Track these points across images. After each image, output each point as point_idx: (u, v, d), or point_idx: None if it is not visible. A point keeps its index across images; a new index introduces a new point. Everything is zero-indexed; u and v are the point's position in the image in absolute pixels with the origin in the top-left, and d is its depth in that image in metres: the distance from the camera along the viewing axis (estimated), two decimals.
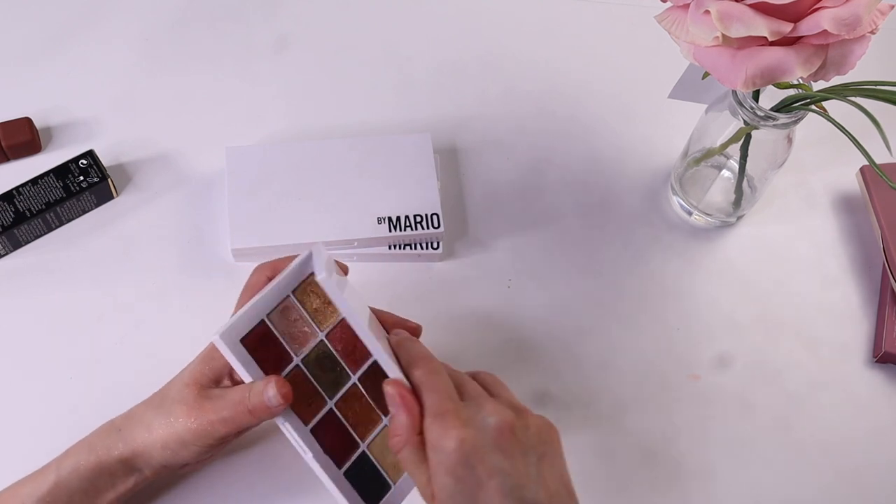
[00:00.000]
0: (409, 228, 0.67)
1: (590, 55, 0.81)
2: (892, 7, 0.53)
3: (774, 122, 0.60)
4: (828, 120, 0.58)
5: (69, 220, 0.69)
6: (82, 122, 0.73)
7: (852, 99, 0.55)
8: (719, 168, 0.73)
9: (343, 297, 0.52)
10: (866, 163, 0.62)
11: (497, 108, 0.77)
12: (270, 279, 0.54)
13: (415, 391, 0.49)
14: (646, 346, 0.68)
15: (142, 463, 0.53)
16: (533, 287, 0.69)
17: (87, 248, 0.68)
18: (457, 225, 0.71)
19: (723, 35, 0.50)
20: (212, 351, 0.54)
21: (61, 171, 0.68)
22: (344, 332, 0.55)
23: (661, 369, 0.67)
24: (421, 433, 0.48)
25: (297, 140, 0.74)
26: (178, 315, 0.66)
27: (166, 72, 0.77)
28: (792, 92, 0.60)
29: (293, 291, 0.54)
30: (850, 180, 0.75)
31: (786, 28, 0.50)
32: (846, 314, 0.70)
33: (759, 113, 0.60)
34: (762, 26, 0.49)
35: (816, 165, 0.76)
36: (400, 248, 0.68)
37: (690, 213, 0.73)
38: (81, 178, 0.68)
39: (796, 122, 0.61)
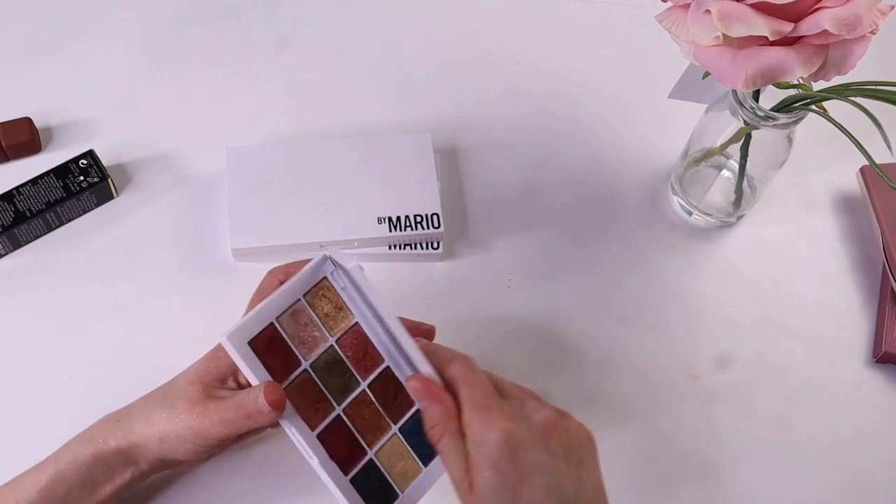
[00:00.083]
0: (409, 228, 0.67)
1: (590, 55, 0.81)
2: (893, 7, 0.53)
3: (774, 122, 0.60)
4: (828, 120, 0.58)
5: (69, 220, 0.69)
6: (82, 122, 0.73)
7: (852, 99, 0.55)
8: (719, 168, 0.73)
9: (375, 290, 0.51)
10: (866, 163, 0.62)
11: (497, 108, 0.77)
12: (283, 283, 0.54)
13: (449, 387, 0.49)
14: (646, 346, 0.68)
15: (138, 455, 0.53)
16: (533, 287, 0.69)
17: (87, 248, 0.68)
18: (457, 225, 0.71)
19: (723, 35, 0.50)
20: (218, 350, 0.54)
21: (61, 171, 0.68)
22: (355, 337, 0.55)
23: (661, 369, 0.67)
24: (460, 424, 0.47)
25: (297, 140, 0.74)
26: (178, 315, 0.66)
27: (166, 72, 0.77)
28: (792, 92, 0.60)
29: (304, 295, 0.54)
30: (850, 180, 0.75)
31: (786, 28, 0.50)
32: (846, 314, 0.70)
33: (759, 113, 0.60)
34: (763, 26, 0.49)
35: (816, 165, 0.76)
36: (400, 248, 0.68)
37: (690, 213, 0.73)
38: (81, 178, 0.68)
39: (796, 122, 0.61)
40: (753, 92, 0.60)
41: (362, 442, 0.54)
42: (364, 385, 0.55)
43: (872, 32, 0.51)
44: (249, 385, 0.53)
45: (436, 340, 0.57)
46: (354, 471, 0.53)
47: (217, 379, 0.53)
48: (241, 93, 0.77)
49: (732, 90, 0.61)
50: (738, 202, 0.70)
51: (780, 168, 0.67)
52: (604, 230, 0.72)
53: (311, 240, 0.66)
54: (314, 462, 0.52)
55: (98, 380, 0.63)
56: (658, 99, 0.68)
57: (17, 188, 0.67)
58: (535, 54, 0.81)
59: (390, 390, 0.55)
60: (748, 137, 0.64)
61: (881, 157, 0.56)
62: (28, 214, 0.66)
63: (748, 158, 0.65)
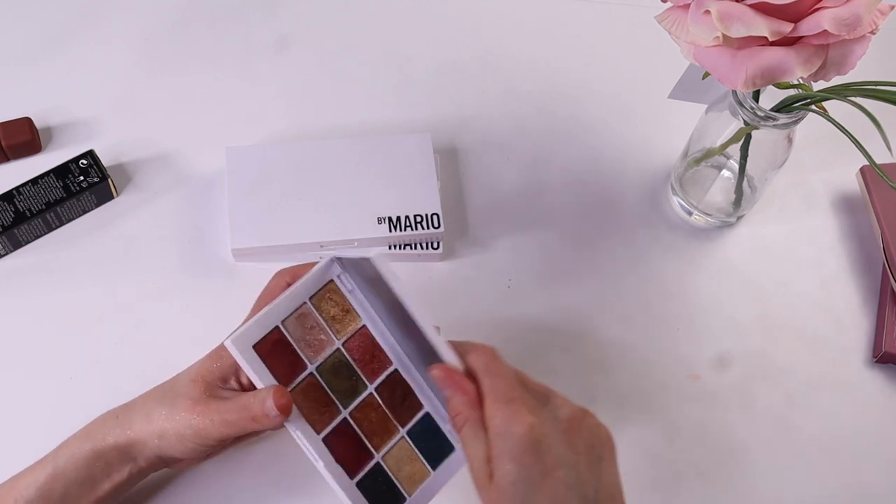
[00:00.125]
0: (409, 228, 0.67)
1: (590, 55, 0.81)
2: (892, 7, 0.53)
3: (774, 123, 0.60)
4: (828, 120, 0.58)
5: (69, 220, 0.69)
6: (82, 122, 0.73)
7: (852, 99, 0.55)
8: (719, 168, 0.73)
9: (398, 277, 0.49)
10: (866, 163, 0.62)
11: (497, 108, 0.77)
12: (290, 285, 0.54)
13: (472, 377, 0.48)
14: (646, 347, 0.68)
15: (136, 452, 0.52)
16: (533, 287, 0.69)
17: (87, 248, 0.68)
18: (457, 225, 0.71)
19: (723, 35, 0.50)
20: (221, 349, 0.54)
21: (61, 171, 0.68)
22: (362, 340, 0.55)
23: (661, 369, 0.67)
24: (482, 414, 0.47)
25: (297, 140, 0.74)
26: (178, 315, 0.66)
27: (166, 72, 0.77)
28: (792, 92, 0.60)
29: (310, 298, 0.54)
30: (850, 180, 0.75)
31: (786, 28, 0.50)
32: (846, 314, 0.70)
33: (759, 113, 0.60)
34: (762, 26, 0.49)
35: (816, 165, 0.76)
36: (400, 248, 0.68)
37: (690, 213, 0.73)
38: (81, 178, 0.68)
39: (796, 122, 0.61)
40: (753, 92, 0.60)
41: (369, 445, 0.54)
42: (371, 388, 0.55)
43: (872, 32, 0.51)
44: (252, 386, 0.53)
45: None
46: (361, 474, 0.53)
47: (219, 378, 0.53)
48: (241, 93, 0.77)
49: (732, 90, 0.61)
50: (738, 202, 0.70)
51: (780, 168, 0.67)
52: (604, 230, 0.72)
53: (311, 240, 0.66)
54: (319, 465, 0.52)
55: (98, 380, 0.63)
56: (658, 99, 0.68)
57: (17, 188, 0.67)
58: (535, 54, 0.81)
59: (398, 393, 0.55)
60: (748, 137, 0.64)
61: (881, 157, 0.56)
62: (28, 214, 0.66)
63: (748, 158, 0.65)
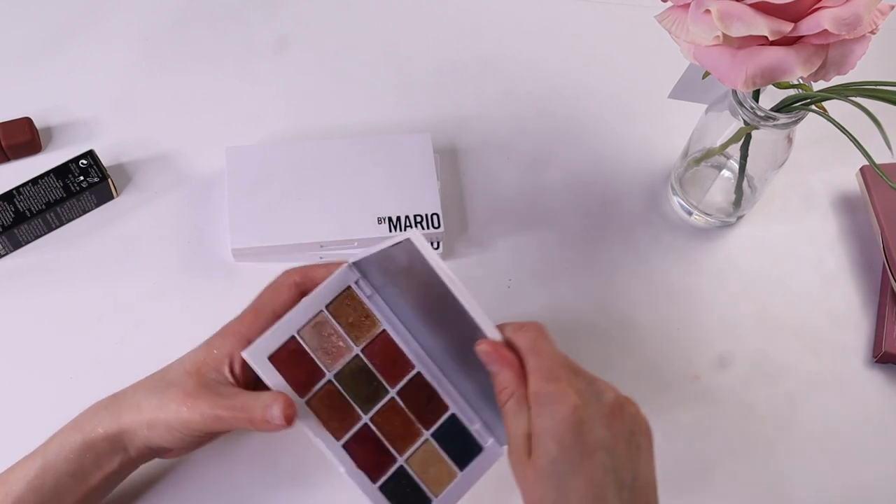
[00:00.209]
0: (409, 228, 0.67)
1: (590, 55, 0.81)
2: (893, 7, 0.53)
3: (774, 122, 0.60)
4: (828, 120, 0.58)
5: (69, 220, 0.69)
6: (82, 122, 0.73)
7: (853, 99, 0.55)
8: (719, 168, 0.73)
9: (436, 256, 0.48)
10: (866, 163, 0.62)
11: (497, 109, 0.77)
12: (297, 284, 0.54)
13: (518, 355, 0.48)
14: (646, 346, 0.67)
15: (127, 442, 0.52)
16: (533, 287, 0.69)
17: (87, 248, 0.68)
18: (457, 225, 0.71)
19: (723, 35, 0.50)
20: (214, 340, 0.54)
21: (61, 171, 0.68)
22: (383, 345, 0.55)
23: (661, 369, 0.67)
24: (526, 391, 0.47)
25: (297, 140, 0.74)
26: (178, 315, 0.66)
27: (166, 72, 0.77)
28: (792, 92, 0.60)
29: (327, 306, 0.54)
30: (850, 180, 0.75)
31: (786, 28, 0.50)
32: (846, 314, 0.70)
33: (759, 113, 0.60)
34: (762, 26, 0.49)
35: (816, 165, 0.76)
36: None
37: (690, 213, 0.73)
38: (81, 178, 0.68)
39: (796, 122, 0.61)
40: (753, 92, 0.60)
41: (391, 449, 0.54)
42: (393, 393, 0.55)
43: (872, 32, 0.51)
44: (245, 380, 0.52)
45: None
46: (383, 478, 0.53)
47: (213, 369, 0.52)
48: (241, 93, 0.77)
49: (732, 90, 0.61)
50: (738, 202, 0.70)
51: (780, 168, 0.67)
52: (604, 230, 0.72)
53: (311, 240, 0.66)
54: (341, 471, 0.52)
55: (98, 380, 0.62)
56: (658, 99, 0.68)
57: (17, 188, 0.67)
58: (535, 54, 0.81)
59: (422, 396, 0.55)
60: (748, 137, 0.64)
61: (881, 157, 0.56)
62: (28, 214, 0.66)
63: (748, 158, 0.65)
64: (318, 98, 0.77)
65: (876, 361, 0.68)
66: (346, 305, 0.55)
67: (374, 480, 0.53)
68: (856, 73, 0.53)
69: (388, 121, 0.76)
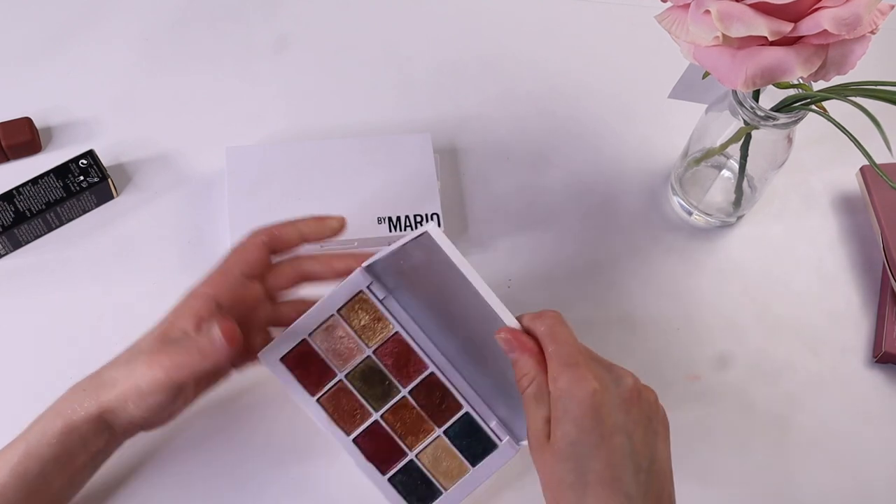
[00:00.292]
0: (409, 228, 0.67)
1: (590, 55, 0.81)
2: (892, 7, 0.53)
3: (774, 122, 0.60)
4: (828, 120, 0.58)
5: (69, 220, 0.69)
6: (82, 122, 0.73)
7: (852, 99, 0.55)
8: (719, 168, 0.73)
9: (453, 248, 0.50)
10: (866, 163, 0.62)
11: (497, 108, 0.77)
12: (265, 243, 0.55)
13: (537, 342, 0.49)
14: (646, 347, 0.67)
15: (109, 419, 0.52)
16: (533, 287, 0.69)
17: (87, 248, 0.68)
18: (457, 225, 0.71)
19: (723, 35, 0.50)
20: (181, 303, 0.54)
21: (61, 171, 0.68)
22: (395, 346, 0.57)
23: (661, 369, 0.67)
24: (546, 378, 0.48)
25: (297, 140, 0.74)
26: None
27: (166, 72, 0.77)
28: (792, 92, 0.60)
29: (339, 310, 0.57)
30: (850, 180, 0.75)
31: (786, 28, 0.50)
32: (846, 314, 0.70)
33: (759, 113, 0.60)
34: (762, 26, 0.49)
35: (816, 165, 0.76)
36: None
37: (690, 213, 0.73)
38: (81, 178, 0.68)
39: (796, 122, 0.61)
40: (753, 92, 0.60)
41: (402, 444, 0.56)
42: (405, 392, 0.57)
43: (872, 32, 0.51)
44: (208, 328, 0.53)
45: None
46: (393, 471, 0.56)
47: (179, 330, 0.53)
48: (241, 93, 0.77)
49: (732, 90, 0.61)
50: (738, 202, 0.70)
51: (780, 168, 0.67)
52: (604, 230, 0.72)
53: None
54: (352, 462, 0.56)
55: None
56: (658, 99, 0.68)
57: (17, 188, 0.67)
58: (535, 54, 0.81)
59: (436, 395, 0.57)
60: (748, 137, 0.64)
61: (881, 157, 0.56)
62: (28, 214, 0.66)
63: (748, 158, 0.65)
64: (318, 98, 0.77)
65: (876, 361, 0.68)
66: (357, 309, 0.57)
67: (383, 473, 0.56)
68: (856, 73, 0.53)
69: (388, 121, 0.76)
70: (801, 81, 0.59)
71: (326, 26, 0.81)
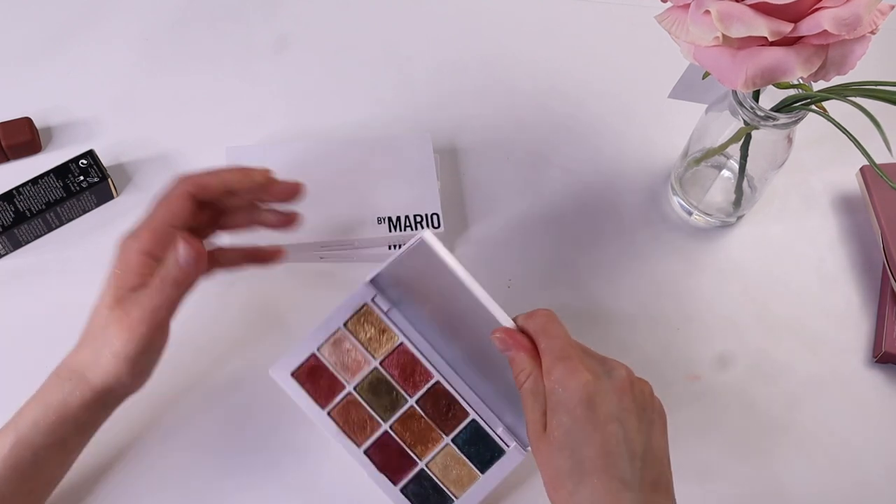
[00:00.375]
0: (409, 228, 0.67)
1: (590, 55, 0.81)
2: (893, 7, 0.53)
3: (774, 122, 0.60)
4: (828, 120, 0.58)
5: (69, 220, 0.69)
6: (82, 122, 0.73)
7: (852, 99, 0.55)
8: (719, 168, 0.73)
9: (449, 254, 0.53)
10: (866, 163, 0.62)
11: (497, 108, 0.77)
12: (190, 193, 0.55)
13: (531, 339, 0.51)
14: (646, 346, 0.68)
15: (105, 399, 0.53)
16: (533, 287, 0.69)
17: (87, 248, 0.68)
18: (457, 225, 0.71)
19: (723, 35, 0.50)
20: (116, 268, 0.54)
21: (61, 171, 0.68)
22: (401, 357, 0.58)
23: (661, 369, 0.67)
24: (541, 372, 0.49)
25: (297, 140, 0.74)
26: (177, 315, 0.66)
27: (166, 72, 0.77)
28: (792, 92, 0.60)
29: (345, 324, 0.58)
30: (850, 180, 0.75)
31: (786, 28, 0.50)
32: (846, 314, 0.70)
33: (759, 113, 0.60)
34: (762, 26, 0.49)
35: (816, 165, 0.76)
36: (400, 248, 0.68)
37: (690, 213, 0.73)
38: (81, 178, 0.68)
39: (796, 122, 0.61)
40: (753, 92, 0.60)
41: (412, 454, 0.57)
42: (412, 401, 0.58)
43: (872, 32, 0.51)
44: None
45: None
46: (404, 481, 0.57)
47: (128, 290, 0.53)
48: (241, 93, 0.77)
49: (732, 90, 0.61)
50: (738, 202, 0.70)
51: (780, 168, 0.67)
52: (604, 230, 0.72)
53: (311, 240, 0.66)
54: (364, 474, 0.56)
55: None
56: (658, 99, 0.68)
57: (17, 188, 0.67)
58: (535, 54, 0.81)
59: (442, 403, 0.58)
60: (748, 137, 0.64)
61: (881, 157, 0.56)
62: (28, 214, 0.66)
63: (748, 158, 0.65)
64: (318, 98, 0.77)
65: (876, 361, 0.68)
66: (363, 321, 0.58)
67: (395, 483, 0.56)
68: (856, 73, 0.53)
69: (389, 121, 0.76)
70: (801, 81, 0.59)
71: (326, 26, 0.81)
